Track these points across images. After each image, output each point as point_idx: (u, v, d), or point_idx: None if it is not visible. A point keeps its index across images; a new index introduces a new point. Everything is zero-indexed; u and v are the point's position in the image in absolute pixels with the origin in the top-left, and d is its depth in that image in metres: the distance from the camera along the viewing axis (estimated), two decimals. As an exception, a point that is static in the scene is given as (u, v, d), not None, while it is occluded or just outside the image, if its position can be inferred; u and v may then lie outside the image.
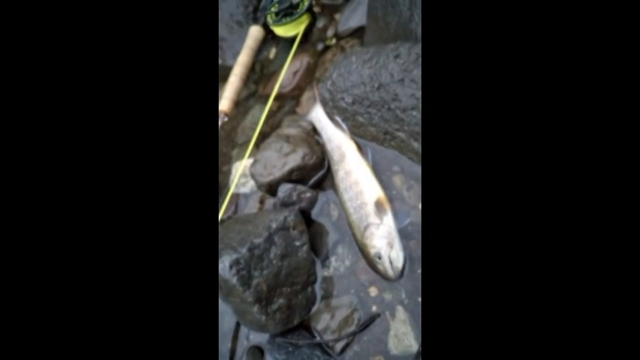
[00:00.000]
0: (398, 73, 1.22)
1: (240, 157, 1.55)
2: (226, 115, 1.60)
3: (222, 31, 1.85)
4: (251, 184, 1.46)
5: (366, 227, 1.15)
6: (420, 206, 1.19)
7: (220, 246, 1.13)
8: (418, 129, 1.19)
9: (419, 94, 1.17)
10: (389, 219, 1.15)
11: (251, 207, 1.44)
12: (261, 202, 1.44)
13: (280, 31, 1.72)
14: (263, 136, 1.47)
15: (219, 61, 1.80)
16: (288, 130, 1.42)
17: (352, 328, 1.12)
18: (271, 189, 1.33)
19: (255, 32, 1.71)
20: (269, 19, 1.72)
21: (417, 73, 1.19)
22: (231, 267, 1.07)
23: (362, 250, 1.17)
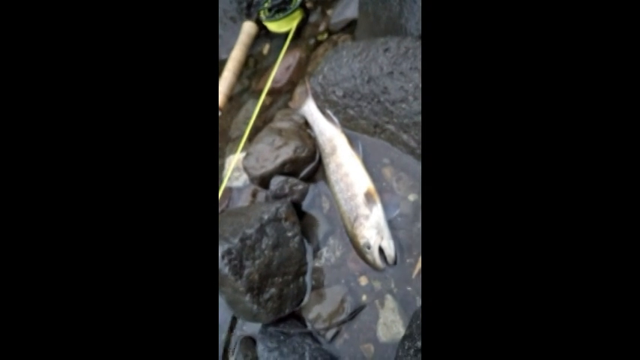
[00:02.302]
0: (387, 66, 1.23)
1: (234, 151, 1.57)
2: (220, 110, 1.61)
3: (216, 28, 1.87)
4: (244, 177, 1.48)
5: (356, 218, 1.17)
6: (409, 197, 1.21)
7: (212, 237, 1.15)
8: (407, 121, 1.20)
9: (407, 86, 1.19)
10: (378, 210, 1.17)
11: (244, 200, 1.46)
12: (254, 195, 1.45)
13: (273, 26, 1.74)
14: (256, 131, 1.49)
15: (213, 57, 1.82)
16: (281, 123, 1.43)
17: (342, 317, 1.13)
18: (264, 182, 1.35)
19: (248, 28, 1.72)
20: (262, 15, 1.74)
21: (406, 66, 1.20)
22: (223, 257, 1.09)
23: (352, 240, 1.19)
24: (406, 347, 0.88)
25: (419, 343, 0.84)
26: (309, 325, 1.17)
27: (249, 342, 1.23)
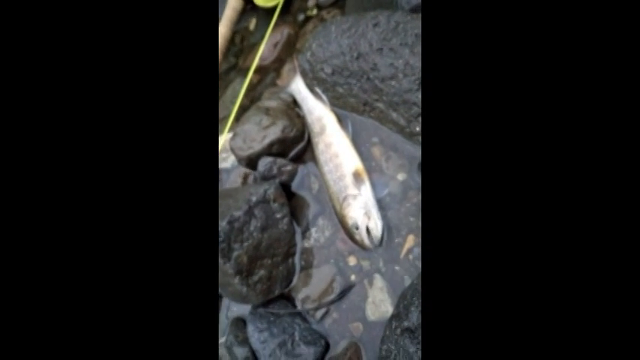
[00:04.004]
0: (377, 42, 1.20)
1: (221, 131, 1.53)
2: (206, 88, 1.57)
3: (201, 2, 1.80)
4: (232, 159, 1.45)
5: (345, 198, 1.16)
6: (398, 176, 1.20)
7: (199, 219, 1.13)
8: (397, 99, 1.18)
9: (397, 63, 1.16)
10: (367, 190, 1.16)
11: (232, 182, 1.44)
12: (244, 177, 1.43)
13: (260, 1, 1.68)
14: (243, 110, 1.45)
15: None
16: (268, 102, 1.40)
17: (332, 297, 1.14)
18: (251, 163, 1.32)
19: (233, 2, 1.66)
20: (248, -11, 1.67)
21: (396, 42, 1.17)
22: (210, 239, 1.08)
23: (341, 221, 1.18)
24: (393, 327, 0.89)
25: (406, 323, 0.84)
26: (298, 305, 1.17)
27: (240, 323, 1.24)
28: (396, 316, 0.91)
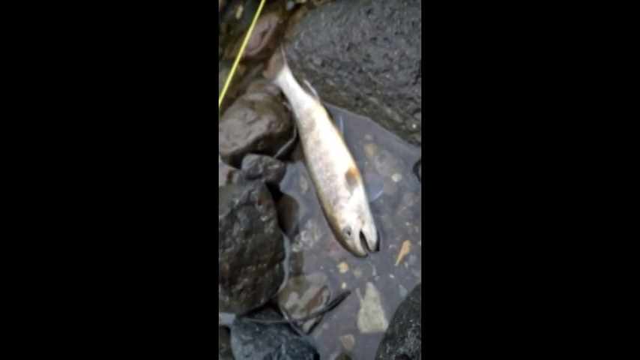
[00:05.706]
0: (370, 31, 1.10)
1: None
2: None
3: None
4: (216, 155, 1.36)
5: (336, 200, 1.07)
6: (393, 177, 1.12)
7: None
8: (391, 93, 1.09)
9: (392, 54, 1.07)
10: (359, 191, 1.07)
11: (217, 180, 1.35)
12: (229, 176, 1.35)
13: (246, -14, 1.57)
14: (228, 103, 1.36)
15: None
16: (253, 95, 1.30)
17: (321, 307, 1.06)
18: (235, 161, 1.23)
19: (218, -13, 1.55)
20: (233, -27, 1.56)
21: (391, 30, 1.08)
22: (189, 246, 0.99)
23: (331, 224, 1.10)
24: (387, 351, 0.81)
25: (401, 349, 0.76)
26: (285, 315, 1.09)
27: (224, 332, 1.16)
28: (390, 338, 0.83)
